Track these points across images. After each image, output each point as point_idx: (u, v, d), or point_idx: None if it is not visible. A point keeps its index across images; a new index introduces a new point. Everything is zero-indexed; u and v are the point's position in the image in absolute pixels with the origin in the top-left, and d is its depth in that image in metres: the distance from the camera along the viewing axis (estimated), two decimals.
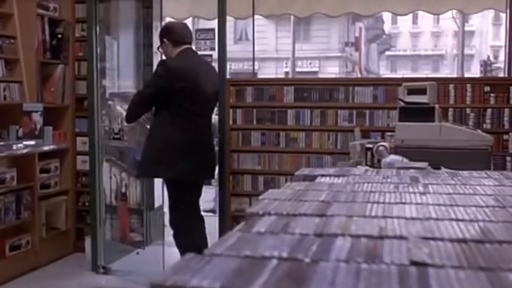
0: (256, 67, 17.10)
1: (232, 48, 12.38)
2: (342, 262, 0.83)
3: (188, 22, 5.97)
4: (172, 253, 5.21)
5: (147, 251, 5.52)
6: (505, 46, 4.93)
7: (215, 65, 4.61)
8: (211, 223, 4.74)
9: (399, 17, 37.51)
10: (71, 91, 5.35)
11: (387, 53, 38.69)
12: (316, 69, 25.77)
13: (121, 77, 5.26)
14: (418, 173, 1.79)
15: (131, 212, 4.56)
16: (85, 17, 5.22)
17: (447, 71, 36.38)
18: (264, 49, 23.92)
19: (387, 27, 35.78)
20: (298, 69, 24.14)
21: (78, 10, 5.37)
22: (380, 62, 37.95)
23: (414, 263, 0.83)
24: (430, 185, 1.56)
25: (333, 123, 4.47)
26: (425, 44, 41.30)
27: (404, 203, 1.29)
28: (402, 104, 3.38)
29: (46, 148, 4.90)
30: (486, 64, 18.60)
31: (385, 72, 36.35)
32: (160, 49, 4.01)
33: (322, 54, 25.92)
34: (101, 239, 4.87)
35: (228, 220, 4.68)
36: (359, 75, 24.15)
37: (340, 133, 4.45)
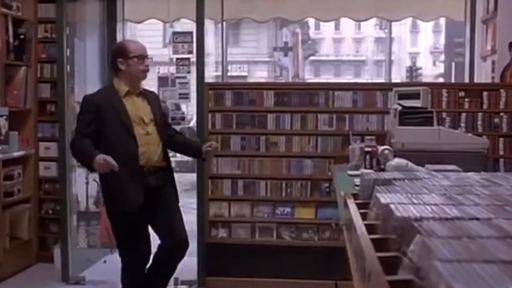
0: None
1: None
2: None
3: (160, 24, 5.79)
4: None
5: (113, 259, 5.36)
6: (470, 52, 5.14)
7: (194, 68, 4.58)
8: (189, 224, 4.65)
9: (322, 23, 38.34)
10: (33, 94, 5.12)
11: (311, 58, 39.31)
12: (245, 74, 25.84)
13: (87, 79, 5.10)
14: (485, 175, 1.84)
15: None
16: (48, 18, 5.06)
17: (368, 77, 37.41)
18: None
19: (311, 32, 36.34)
20: (228, 74, 24.06)
21: (40, 10, 5.14)
22: (305, 67, 38.49)
23: None
24: None
25: (313, 127, 4.50)
26: (347, 50, 42.32)
27: None
28: (400, 108, 3.45)
29: (15, 154, 4.66)
30: (412, 70, 19.32)
31: (309, 77, 36.89)
32: None
33: (251, 59, 26.05)
34: (72, 248, 4.69)
35: (206, 225, 4.61)
36: (290, 80, 24.38)
37: (320, 137, 4.49)
